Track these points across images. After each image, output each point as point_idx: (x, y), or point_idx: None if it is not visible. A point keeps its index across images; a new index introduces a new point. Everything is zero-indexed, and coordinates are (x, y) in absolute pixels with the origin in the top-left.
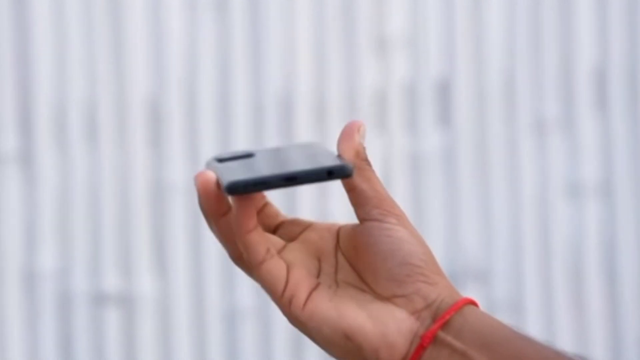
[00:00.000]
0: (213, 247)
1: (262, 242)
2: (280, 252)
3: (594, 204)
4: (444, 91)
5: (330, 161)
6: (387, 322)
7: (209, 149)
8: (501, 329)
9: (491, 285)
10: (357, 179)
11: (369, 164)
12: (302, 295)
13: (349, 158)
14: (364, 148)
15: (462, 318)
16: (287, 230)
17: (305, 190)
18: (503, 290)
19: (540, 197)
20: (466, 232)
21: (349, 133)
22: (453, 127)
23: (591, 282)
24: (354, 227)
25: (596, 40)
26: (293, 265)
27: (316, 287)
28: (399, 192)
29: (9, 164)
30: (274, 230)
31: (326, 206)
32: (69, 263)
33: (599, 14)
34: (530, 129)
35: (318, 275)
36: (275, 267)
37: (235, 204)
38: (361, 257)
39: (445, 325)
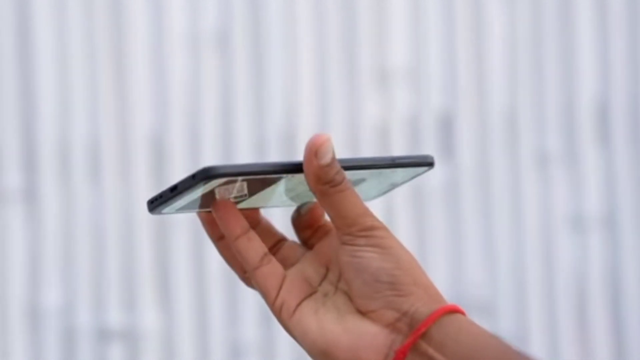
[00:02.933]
0: (217, 281)
1: (254, 247)
2: (290, 258)
3: (597, 236)
4: (447, 124)
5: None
6: (361, 337)
7: None
8: (485, 340)
9: (495, 318)
10: (323, 206)
11: (333, 184)
12: (292, 303)
13: (311, 186)
14: (327, 168)
15: (443, 329)
16: (317, 234)
17: None
18: (507, 323)
19: (544, 230)
20: (470, 266)
21: (307, 158)
22: (456, 160)
23: (595, 314)
24: None
25: (598, 73)
26: (291, 273)
27: (309, 295)
28: (402, 226)
29: (12, 201)
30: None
31: None
32: (73, 299)
33: (601, 47)
34: (533, 162)
35: (320, 283)
36: (270, 274)
37: (214, 209)
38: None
39: (426, 337)
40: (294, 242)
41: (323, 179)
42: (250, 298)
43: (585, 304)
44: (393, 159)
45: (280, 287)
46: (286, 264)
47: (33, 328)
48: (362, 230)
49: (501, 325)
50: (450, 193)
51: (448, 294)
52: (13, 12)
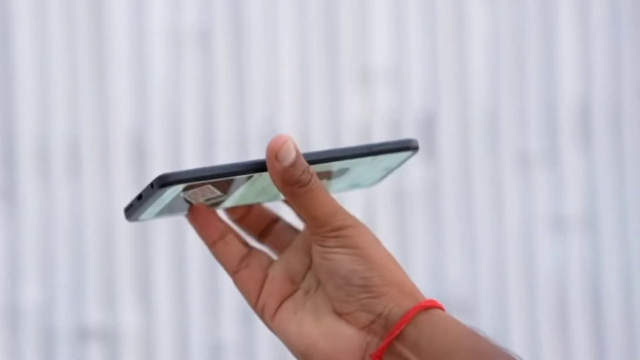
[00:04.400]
0: (197, 280)
1: (231, 252)
2: (279, 250)
3: (578, 237)
4: (428, 124)
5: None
6: (337, 341)
7: None
8: (458, 339)
9: (476, 317)
10: (293, 207)
11: (301, 184)
12: (272, 305)
13: (278, 188)
14: (291, 170)
15: (417, 329)
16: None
17: None
18: (488, 323)
19: (525, 231)
20: (450, 266)
21: (269, 162)
22: (437, 160)
23: (576, 315)
24: None
25: (580, 73)
26: (273, 270)
27: (290, 295)
28: (382, 226)
29: None
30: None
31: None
32: (51, 298)
33: (583, 47)
34: (514, 162)
35: (304, 276)
36: (249, 278)
37: (188, 216)
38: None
39: (400, 338)
40: (287, 223)
41: (289, 181)
42: (231, 297)
43: (565, 303)
44: (369, 147)
45: (261, 290)
46: (280, 247)
47: (11, 327)
48: (332, 230)
49: (482, 324)
50: (431, 192)
51: (429, 294)
52: None
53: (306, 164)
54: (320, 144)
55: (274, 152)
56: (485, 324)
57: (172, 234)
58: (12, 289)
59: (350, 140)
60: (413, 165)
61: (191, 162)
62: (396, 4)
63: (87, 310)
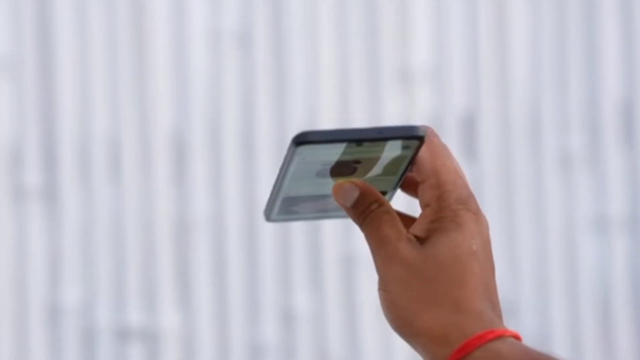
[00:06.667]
0: (237, 280)
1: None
2: None
3: (620, 237)
4: (469, 125)
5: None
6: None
7: (233, 183)
8: None
9: (518, 319)
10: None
11: (365, 218)
12: None
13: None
14: (351, 211)
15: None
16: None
17: (332, 227)
18: (530, 323)
19: (567, 231)
20: None
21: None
22: (478, 160)
23: (619, 315)
24: None
25: (623, 73)
26: None
27: None
28: None
29: (33, 200)
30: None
31: (351, 243)
32: (92, 298)
33: (625, 46)
34: (556, 163)
35: None
36: None
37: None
38: None
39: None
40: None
41: (357, 219)
42: (271, 298)
43: (608, 304)
44: (380, 130)
45: None
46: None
47: (53, 327)
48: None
49: (524, 325)
50: (473, 192)
51: None
52: (34, 10)
53: (370, 200)
54: None
55: (337, 196)
56: (527, 326)
57: (213, 234)
58: (53, 289)
59: None
60: None
61: (231, 163)
62: (437, 4)
63: (128, 310)
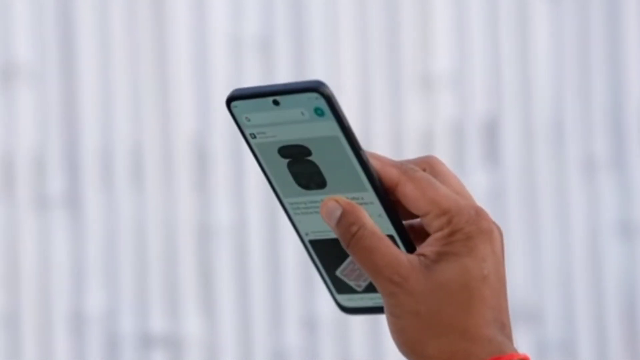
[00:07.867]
0: (259, 287)
1: None
2: None
3: None
4: (491, 130)
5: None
6: None
7: (255, 190)
8: None
9: (543, 326)
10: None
11: (350, 239)
12: None
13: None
14: (337, 230)
15: None
16: None
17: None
18: (555, 331)
19: (591, 237)
20: (516, 273)
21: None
22: (501, 165)
23: None
24: None
25: None
26: None
27: None
28: None
29: (56, 207)
30: None
31: None
32: (116, 305)
33: None
34: (579, 168)
35: None
36: None
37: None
38: None
39: None
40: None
41: (343, 240)
42: (293, 304)
43: (634, 310)
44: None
45: None
46: None
47: (77, 334)
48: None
49: (548, 332)
50: (496, 199)
51: None
52: (57, 19)
53: (351, 219)
54: (382, 149)
55: (323, 215)
56: (552, 331)
57: (235, 240)
58: (77, 296)
59: (412, 145)
60: (476, 171)
61: (254, 169)
62: (458, 9)
63: (151, 317)
